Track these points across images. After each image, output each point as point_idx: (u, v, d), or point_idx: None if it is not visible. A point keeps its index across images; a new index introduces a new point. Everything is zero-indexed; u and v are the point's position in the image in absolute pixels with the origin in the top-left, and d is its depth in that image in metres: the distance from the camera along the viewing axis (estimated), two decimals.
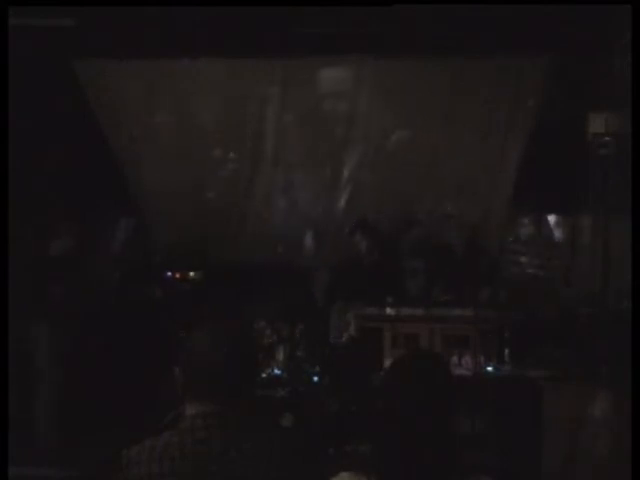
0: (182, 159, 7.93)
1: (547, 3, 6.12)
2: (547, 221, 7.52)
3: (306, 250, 7.85)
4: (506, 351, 6.32)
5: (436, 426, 2.21)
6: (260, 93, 7.82)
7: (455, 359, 6.22)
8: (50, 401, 6.59)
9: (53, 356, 6.66)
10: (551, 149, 7.13)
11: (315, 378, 6.27)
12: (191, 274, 7.65)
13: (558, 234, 7.46)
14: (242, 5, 6.16)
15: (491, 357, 6.33)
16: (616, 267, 6.13)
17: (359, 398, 5.82)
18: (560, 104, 7.17)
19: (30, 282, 6.57)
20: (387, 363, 6.09)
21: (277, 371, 6.35)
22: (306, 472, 2.44)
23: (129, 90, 7.78)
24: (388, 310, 6.53)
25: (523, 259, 7.04)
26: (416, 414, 2.20)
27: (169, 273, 7.60)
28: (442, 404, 2.24)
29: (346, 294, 6.85)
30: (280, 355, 6.47)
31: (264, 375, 6.19)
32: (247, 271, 7.73)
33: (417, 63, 7.52)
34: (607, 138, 6.32)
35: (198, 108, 7.87)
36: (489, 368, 6.28)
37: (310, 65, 7.68)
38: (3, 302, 4.70)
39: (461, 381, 5.86)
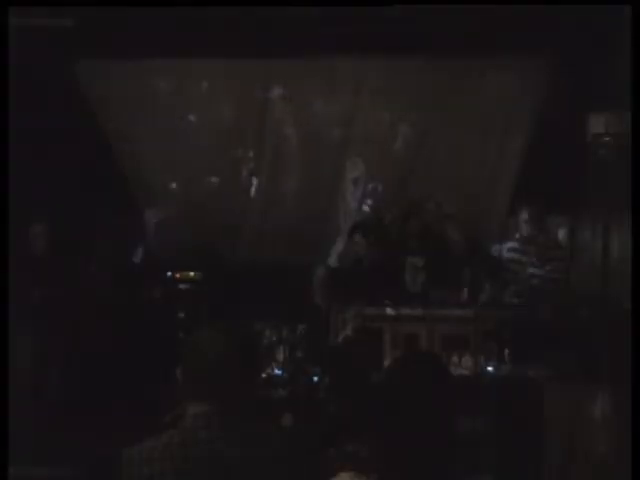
0: (183, 158, 7.93)
1: (547, 3, 6.12)
2: (547, 221, 7.51)
3: (306, 250, 7.84)
4: (506, 351, 6.31)
5: (436, 426, 2.21)
6: (261, 93, 7.82)
7: (455, 359, 6.22)
8: (50, 401, 6.58)
9: (52, 356, 6.66)
10: (551, 149, 7.14)
11: (315, 378, 6.27)
12: (191, 274, 7.63)
13: (558, 234, 7.45)
14: (242, 5, 6.17)
15: (491, 357, 6.33)
16: (616, 267, 6.13)
17: (359, 398, 5.81)
18: (560, 104, 7.17)
19: (29, 282, 6.56)
20: (387, 363, 6.09)
21: (277, 371, 6.35)
22: (306, 472, 2.44)
23: (129, 89, 7.78)
24: (388, 310, 6.53)
25: (523, 259, 7.03)
26: (415, 414, 2.20)
27: (169, 273, 7.58)
28: (441, 404, 2.24)
29: (346, 294, 6.85)
30: (280, 355, 6.47)
31: (264, 375, 6.19)
32: (247, 271, 7.74)
33: (417, 63, 7.52)
34: (607, 138, 6.31)
35: (199, 107, 7.87)
36: (489, 368, 6.28)
37: (310, 65, 7.68)
38: (3, 302, 4.70)
39: (461, 381, 5.86)
